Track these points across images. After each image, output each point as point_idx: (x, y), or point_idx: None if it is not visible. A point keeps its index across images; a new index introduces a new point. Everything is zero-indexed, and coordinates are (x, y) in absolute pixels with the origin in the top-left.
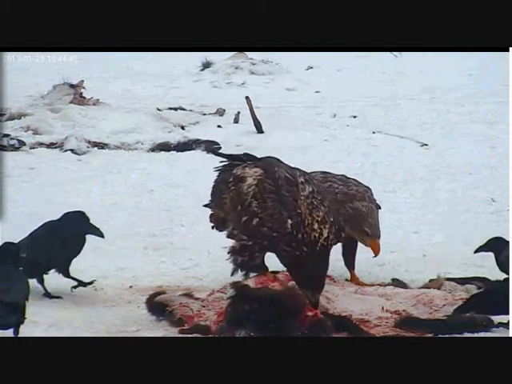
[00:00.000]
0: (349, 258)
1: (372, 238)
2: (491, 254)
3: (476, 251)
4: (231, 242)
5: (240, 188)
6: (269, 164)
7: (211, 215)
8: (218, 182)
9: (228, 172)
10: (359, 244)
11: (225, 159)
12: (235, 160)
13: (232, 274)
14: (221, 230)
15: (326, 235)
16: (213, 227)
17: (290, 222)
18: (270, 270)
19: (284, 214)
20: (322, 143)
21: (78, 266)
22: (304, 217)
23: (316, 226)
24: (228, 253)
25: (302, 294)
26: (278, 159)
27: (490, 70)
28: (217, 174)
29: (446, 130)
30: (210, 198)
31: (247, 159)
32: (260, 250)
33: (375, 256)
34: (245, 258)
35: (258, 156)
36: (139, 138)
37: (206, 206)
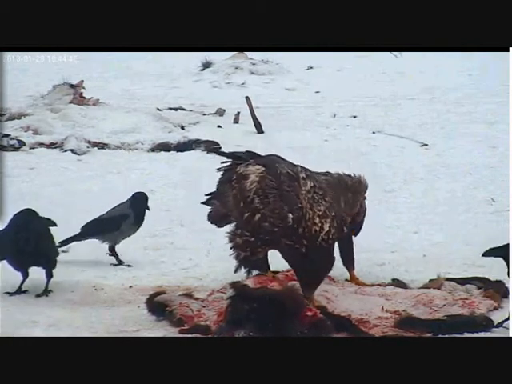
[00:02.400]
0: (346, 257)
1: None
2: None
3: (486, 254)
4: (234, 237)
5: (243, 185)
6: (271, 161)
7: (210, 212)
8: (222, 182)
9: (231, 171)
10: (359, 243)
11: (227, 158)
12: (237, 158)
13: (235, 271)
14: (220, 226)
15: (326, 229)
16: (212, 223)
17: (291, 216)
18: (271, 270)
19: (285, 208)
20: (322, 143)
21: (77, 266)
22: (305, 211)
23: (317, 220)
24: (231, 248)
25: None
26: (279, 157)
27: (490, 70)
28: (220, 173)
29: (446, 130)
30: (209, 196)
31: (249, 157)
32: (262, 245)
33: None
34: (247, 253)
35: None
36: (139, 137)
37: (204, 203)
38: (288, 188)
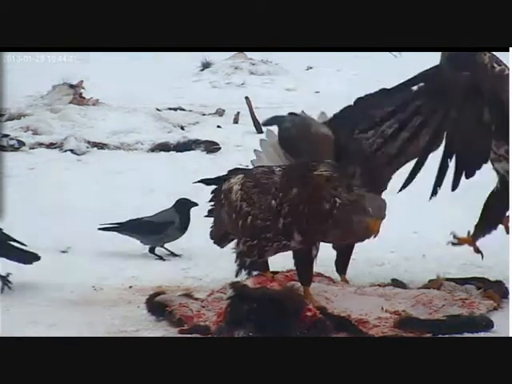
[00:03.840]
0: (340, 265)
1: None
2: (491, 254)
3: None
4: (237, 247)
5: (230, 199)
6: (249, 168)
7: (211, 231)
8: (215, 206)
9: (219, 192)
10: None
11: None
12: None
13: (236, 275)
14: (222, 246)
15: None
16: (214, 242)
17: (274, 202)
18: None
19: (268, 198)
20: None
21: (77, 266)
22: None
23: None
24: (236, 258)
25: None
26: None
27: None
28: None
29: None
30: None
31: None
32: (268, 244)
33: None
34: (254, 257)
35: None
36: (139, 138)
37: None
38: (265, 180)
